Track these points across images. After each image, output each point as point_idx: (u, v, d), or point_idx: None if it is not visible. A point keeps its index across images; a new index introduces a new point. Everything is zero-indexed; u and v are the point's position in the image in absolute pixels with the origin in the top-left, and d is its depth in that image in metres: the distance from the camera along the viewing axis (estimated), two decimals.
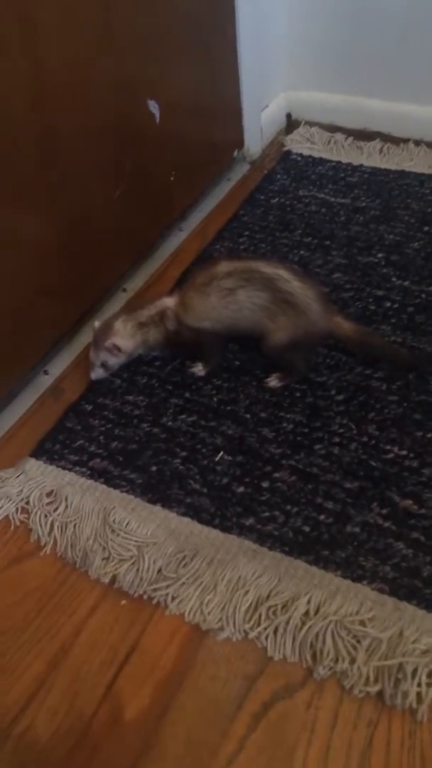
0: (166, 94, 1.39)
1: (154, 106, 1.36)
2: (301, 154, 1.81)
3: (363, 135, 1.84)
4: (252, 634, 0.92)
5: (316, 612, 0.92)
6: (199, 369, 1.27)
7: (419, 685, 0.85)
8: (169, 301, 1.22)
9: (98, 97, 1.21)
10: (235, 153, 1.77)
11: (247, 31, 1.61)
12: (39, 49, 1.05)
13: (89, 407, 1.23)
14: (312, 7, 1.74)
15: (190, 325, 1.20)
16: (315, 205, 1.64)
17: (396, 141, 1.81)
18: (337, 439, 1.14)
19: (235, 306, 1.16)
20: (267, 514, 1.04)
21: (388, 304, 1.37)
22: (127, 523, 1.04)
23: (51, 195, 1.17)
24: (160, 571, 0.99)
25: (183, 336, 1.22)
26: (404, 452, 1.11)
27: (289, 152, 1.82)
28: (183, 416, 1.19)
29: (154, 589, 0.97)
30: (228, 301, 1.16)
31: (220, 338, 1.24)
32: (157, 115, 1.38)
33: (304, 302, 1.14)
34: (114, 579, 0.99)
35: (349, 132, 1.85)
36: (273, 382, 1.23)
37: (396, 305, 1.37)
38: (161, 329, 1.22)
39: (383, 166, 1.74)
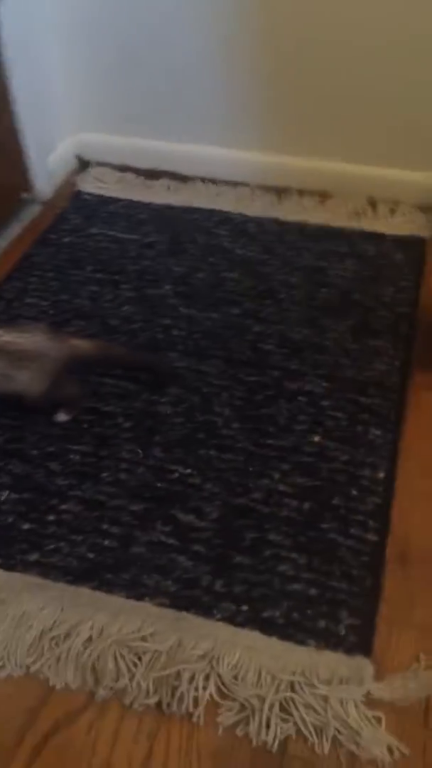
0: None
1: None
2: (92, 194, 1.86)
3: (152, 174, 1.92)
4: (34, 668, 0.91)
5: (100, 635, 0.94)
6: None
7: (196, 689, 0.88)
8: None
9: None
10: (24, 195, 1.78)
11: (21, 80, 1.64)
12: None
13: None
14: (85, 55, 1.81)
15: None
16: (106, 242, 1.69)
17: (183, 179, 1.91)
18: (124, 465, 1.17)
19: None
20: (52, 546, 1.05)
21: (176, 332, 1.44)
22: None
23: None
24: None
25: None
26: (188, 470, 1.16)
27: (80, 192, 1.86)
28: None
29: None
30: None
31: None
32: None
33: (33, 347, 1.16)
34: None
35: (139, 171, 1.93)
36: (61, 416, 1.24)
37: (183, 332, 1.44)
38: None
39: (171, 202, 1.83)
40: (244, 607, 0.98)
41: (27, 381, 1.16)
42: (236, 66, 1.74)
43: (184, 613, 0.96)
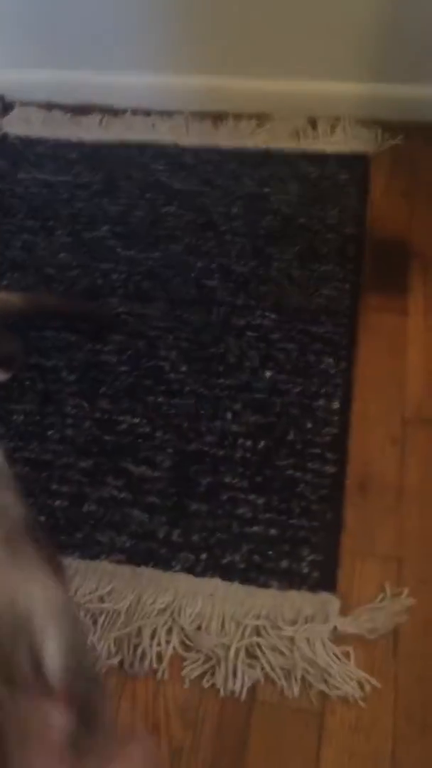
0: None
1: None
2: (17, 136, 1.74)
3: (81, 109, 1.80)
4: None
5: None
6: None
7: (159, 644, 0.86)
8: None
9: None
10: None
11: None
12: None
13: None
14: None
15: None
16: (36, 187, 1.59)
17: (115, 112, 1.79)
18: (70, 421, 1.12)
19: None
20: None
21: (115, 276, 1.37)
22: None
23: None
24: None
25: None
26: (136, 420, 1.12)
27: (5, 135, 1.74)
28: None
29: None
30: None
31: None
32: None
33: None
34: None
35: (66, 108, 1.81)
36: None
37: (123, 276, 1.37)
38: None
39: (103, 138, 1.72)
40: (203, 555, 0.95)
41: None
42: None
43: (141, 568, 0.94)
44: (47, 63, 1.80)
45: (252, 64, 1.69)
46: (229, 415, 1.12)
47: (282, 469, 1.04)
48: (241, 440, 1.08)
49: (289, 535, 0.97)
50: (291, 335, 1.23)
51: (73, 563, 0.94)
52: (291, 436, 1.08)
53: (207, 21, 1.65)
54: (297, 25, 1.60)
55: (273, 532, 0.97)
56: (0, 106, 1.85)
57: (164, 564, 0.94)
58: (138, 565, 0.94)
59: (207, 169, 1.62)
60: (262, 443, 1.08)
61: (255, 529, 0.98)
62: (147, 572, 0.93)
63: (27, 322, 1.25)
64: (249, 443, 1.08)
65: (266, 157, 1.64)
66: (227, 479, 1.03)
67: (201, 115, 1.76)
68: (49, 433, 1.11)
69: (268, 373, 1.18)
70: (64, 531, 0.98)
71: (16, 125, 1.78)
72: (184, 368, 1.19)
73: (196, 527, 0.98)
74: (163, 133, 1.73)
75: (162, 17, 1.66)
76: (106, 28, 1.71)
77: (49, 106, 1.82)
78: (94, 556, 0.95)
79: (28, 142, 1.72)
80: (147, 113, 1.79)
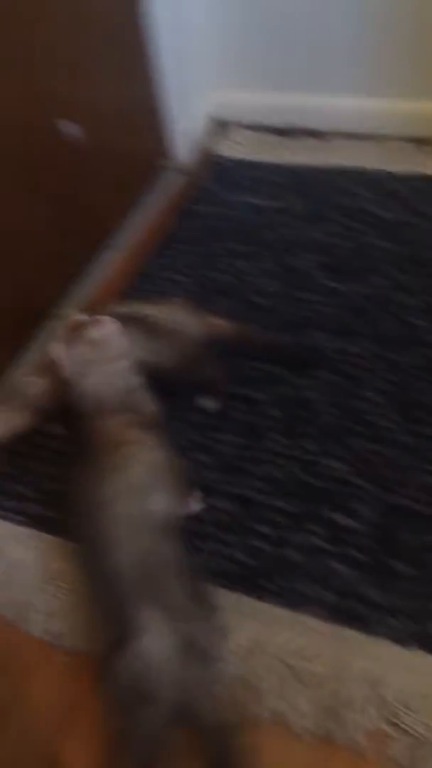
0: (84, 112, 1.36)
1: (71, 127, 1.33)
2: (229, 158, 1.78)
3: (290, 132, 1.81)
4: None
5: (256, 646, 0.91)
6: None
7: (362, 716, 0.84)
8: None
9: (7, 119, 1.18)
10: (162, 162, 1.73)
11: (166, 42, 1.57)
12: None
13: (24, 448, 1.20)
14: (228, 10, 1.70)
15: None
16: (245, 210, 1.61)
17: (322, 135, 1.78)
18: (273, 458, 1.13)
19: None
20: (204, 546, 1.03)
21: (320, 308, 1.36)
22: (68, 575, 1.02)
23: None
24: None
25: None
26: (339, 464, 1.10)
27: (217, 156, 1.79)
28: None
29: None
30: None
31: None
32: (75, 135, 1.34)
33: (170, 321, 1.16)
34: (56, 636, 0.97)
35: (276, 130, 1.82)
36: (209, 404, 1.21)
37: (327, 308, 1.36)
38: None
39: (310, 162, 1.72)
40: (409, 623, 0.91)
41: (162, 353, 1.14)
42: (374, 6, 1.57)
43: (344, 629, 0.91)
44: (261, 86, 1.82)
45: None
46: None
47: None
48: None
49: None
50: None
51: (273, 610, 0.95)
52: None
53: (422, 45, 1.59)
54: None
55: None
56: (213, 127, 1.90)
57: (366, 627, 0.91)
58: (340, 624, 0.92)
59: (417, 198, 1.57)
60: None
61: None
62: (348, 634, 0.91)
63: (231, 351, 1.26)
64: None
65: None
66: None
67: (410, 140, 1.71)
68: (253, 468, 1.12)
69: None
70: (264, 574, 0.98)
71: (227, 146, 1.82)
72: (388, 413, 1.16)
73: (403, 591, 0.94)
74: (371, 158, 1.69)
75: (378, 42, 1.63)
76: (317, 51, 1.70)
77: (259, 128, 1.84)
78: (295, 607, 0.95)
79: (239, 164, 1.76)
80: (355, 136, 1.76)
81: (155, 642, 0.77)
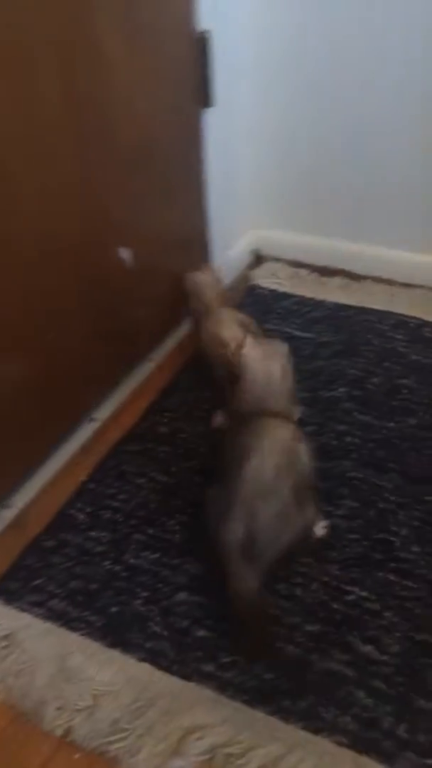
0: (137, 240, 1.48)
1: (125, 252, 1.45)
2: (267, 289, 1.91)
3: (326, 271, 1.95)
4: None
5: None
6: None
7: None
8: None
9: (68, 245, 1.28)
10: None
11: (215, 178, 1.73)
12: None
13: (51, 543, 1.22)
14: (275, 156, 1.89)
15: None
16: (281, 340, 1.71)
17: (357, 278, 1.92)
18: (299, 580, 1.14)
19: None
20: (227, 659, 1.03)
21: (349, 439, 1.42)
22: (84, 670, 1.02)
23: (28, 333, 1.23)
24: (116, 722, 0.97)
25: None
26: (365, 594, 1.12)
27: (255, 287, 1.92)
28: (146, 553, 1.20)
29: (109, 742, 0.94)
30: None
31: None
32: (128, 260, 1.46)
33: None
34: (69, 731, 0.96)
35: (313, 268, 1.96)
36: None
37: (357, 440, 1.41)
38: None
39: (345, 301, 1.84)
40: (430, 761, 0.91)
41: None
42: (416, 176, 1.75)
43: (363, 757, 0.91)
44: (300, 227, 1.98)
45: None
46: None
47: None
48: None
49: None
50: None
51: (294, 732, 0.94)
52: None
53: None
54: None
55: None
56: (253, 259, 2.05)
57: (387, 758, 0.90)
58: (359, 752, 0.91)
59: None
60: None
61: None
62: (369, 764, 0.90)
63: None
64: None
65: None
66: None
67: None
68: (279, 587, 1.13)
69: None
70: (287, 695, 0.98)
71: (265, 279, 1.95)
72: (415, 548, 1.19)
73: (424, 727, 0.94)
74: (404, 304, 1.81)
75: (411, 200, 1.79)
76: (358, 205, 1.87)
77: (297, 265, 1.99)
78: (316, 731, 0.94)
79: (276, 296, 1.88)
80: (388, 282, 1.89)
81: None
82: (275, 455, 1.07)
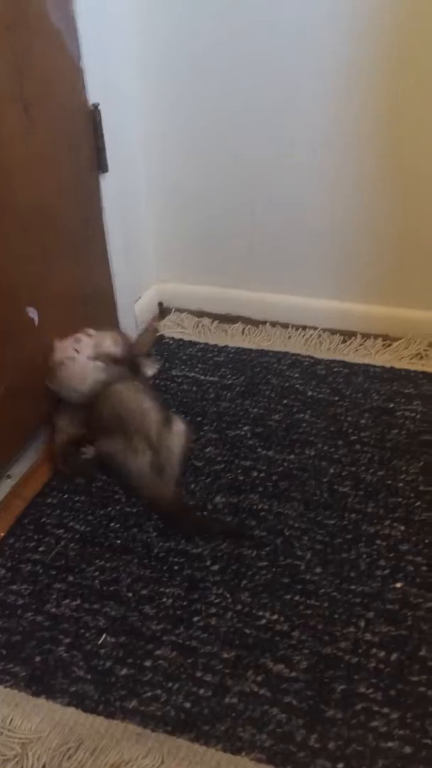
0: (43, 299, 1.55)
1: (33, 312, 1.52)
2: (173, 338, 2.01)
3: (228, 319, 2.08)
4: None
5: None
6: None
7: None
8: None
9: None
10: None
11: (116, 237, 1.83)
12: None
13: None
14: (172, 214, 2.02)
15: None
16: (187, 384, 1.81)
17: (255, 323, 2.05)
18: (214, 610, 1.22)
19: None
20: (149, 694, 1.09)
21: (255, 473, 1.52)
22: (11, 721, 1.05)
23: None
24: (45, 766, 1.00)
25: None
26: (275, 617, 1.20)
27: (162, 336, 2.02)
28: (67, 601, 1.24)
29: None
30: None
31: None
32: (36, 319, 1.53)
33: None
34: None
35: (214, 317, 2.09)
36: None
37: (262, 474, 1.52)
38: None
39: (246, 345, 1.96)
40: (340, 765, 0.99)
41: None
42: (303, 226, 1.91)
43: None
44: (201, 280, 2.11)
45: (379, 293, 1.94)
46: (362, 623, 1.18)
47: (415, 685, 1.09)
48: (374, 650, 1.14)
49: (424, 755, 1.00)
50: (420, 549, 1.32)
51: (215, 755, 1.00)
52: (423, 652, 1.13)
53: (342, 255, 1.93)
54: (421, 267, 1.85)
55: (408, 749, 1.00)
56: (158, 311, 2.15)
57: None
58: (277, 766, 0.98)
59: (338, 380, 1.81)
60: (394, 655, 1.13)
61: (390, 744, 1.01)
62: None
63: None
64: (382, 654, 1.13)
65: (391, 374, 1.82)
66: (361, 689, 1.09)
67: (332, 332, 1.99)
68: (195, 619, 1.20)
69: (398, 584, 1.25)
70: (207, 721, 1.04)
71: (171, 329, 2.05)
72: (318, 570, 1.29)
73: (333, 734, 1.02)
74: (299, 345, 1.95)
75: (300, 253, 1.96)
76: (252, 257, 2.01)
77: (200, 314, 2.10)
78: (236, 751, 1.00)
79: (182, 344, 1.98)
80: (284, 326, 2.03)
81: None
82: (131, 392, 1.49)
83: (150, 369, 1.78)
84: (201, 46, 1.75)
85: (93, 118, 1.66)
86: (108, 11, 1.65)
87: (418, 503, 1.42)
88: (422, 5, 1.55)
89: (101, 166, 1.73)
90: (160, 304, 2.15)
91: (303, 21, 1.64)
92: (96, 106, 1.65)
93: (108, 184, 1.76)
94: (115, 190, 1.79)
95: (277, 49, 1.69)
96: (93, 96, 1.64)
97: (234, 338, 2.00)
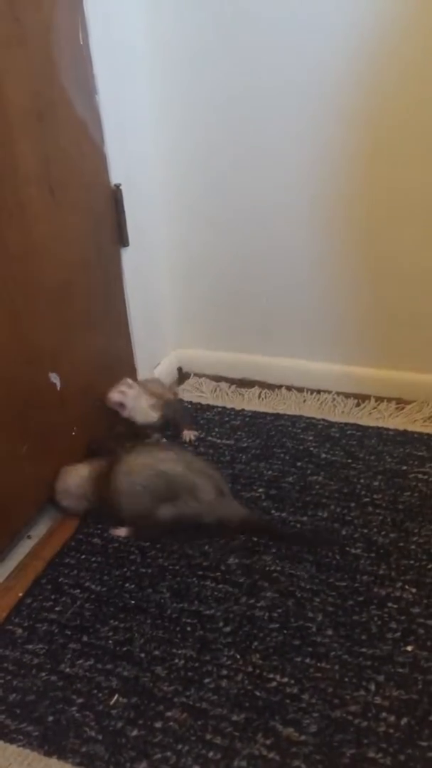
0: (66, 365, 1.63)
1: (55, 378, 1.60)
2: (191, 402, 2.07)
3: (244, 383, 2.14)
4: None
5: None
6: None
7: None
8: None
9: (3, 371, 1.43)
10: None
11: (136, 307, 1.93)
12: None
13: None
14: (189, 285, 2.12)
15: None
16: (203, 447, 1.86)
17: (271, 387, 2.11)
18: (224, 672, 1.23)
19: None
20: (159, 755, 1.10)
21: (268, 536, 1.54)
22: None
23: None
24: None
25: None
26: (285, 679, 1.21)
27: (181, 401, 2.08)
28: (80, 661, 1.27)
29: None
30: None
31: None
32: (58, 384, 1.61)
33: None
34: None
35: (232, 381, 2.15)
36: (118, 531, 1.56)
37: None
38: None
39: (261, 409, 2.02)
40: None
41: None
42: (316, 294, 1.99)
43: None
44: (217, 346, 2.19)
45: (392, 358, 2.00)
46: (372, 686, 1.19)
47: (424, 750, 1.08)
48: (384, 714, 1.14)
49: None
50: (431, 611, 1.32)
51: None
52: None
53: (350, 321, 2.00)
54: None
55: None
56: (177, 375, 2.23)
57: None
58: None
59: (351, 443, 1.85)
60: (404, 720, 1.13)
61: None
62: None
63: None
64: (392, 718, 1.13)
65: (404, 437, 1.86)
66: (371, 753, 1.08)
67: (346, 396, 2.04)
68: (206, 680, 1.22)
69: (409, 647, 1.26)
70: None
71: (189, 393, 2.12)
72: (329, 632, 1.30)
73: None
74: (313, 409, 2.00)
75: (316, 320, 2.03)
76: (268, 324, 2.09)
77: (218, 379, 2.17)
78: None
79: (199, 408, 2.04)
80: (299, 390, 2.09)
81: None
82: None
83: (188, 435, 1.91)
84: (212, 132, 1.89)
85: (115, 197, 1.78)
86: (128, 101, 1.79)
87: (430, 566, 1.43)
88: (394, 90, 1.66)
89: (122, 240, 1.84)
90: (180, 369, 2.23)
91: (300, 112, 1.76)
92: (118, 186, 1.77)
93: (128, 257, 1.87)
94: (135, 262, 1.90)
95: (275, 147, 1.82)
96: (115, 177, 1.76)
97: (250, 402, 2.06)
